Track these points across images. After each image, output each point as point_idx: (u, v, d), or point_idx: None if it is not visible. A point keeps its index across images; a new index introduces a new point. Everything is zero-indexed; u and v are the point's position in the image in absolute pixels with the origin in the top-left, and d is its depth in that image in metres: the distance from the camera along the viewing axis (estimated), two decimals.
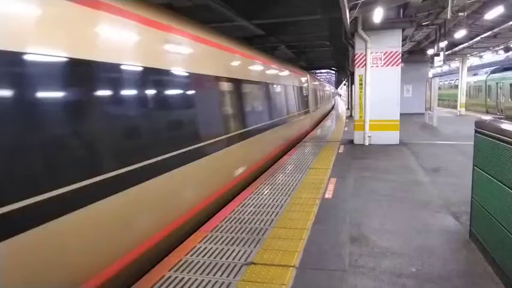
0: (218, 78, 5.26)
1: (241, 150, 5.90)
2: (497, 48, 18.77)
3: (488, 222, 3.13)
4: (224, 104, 5.43)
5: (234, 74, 5.89)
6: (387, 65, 9.72)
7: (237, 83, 5.96)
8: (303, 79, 13.84)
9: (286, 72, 10.43)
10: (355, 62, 10.02)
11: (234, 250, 3.56)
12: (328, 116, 22.22)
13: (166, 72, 3.94)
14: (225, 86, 5.50)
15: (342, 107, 34.88)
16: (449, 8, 8.05)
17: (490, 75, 21.63)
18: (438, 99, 15.63)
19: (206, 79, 4.89)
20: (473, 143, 3.52)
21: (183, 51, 4.43)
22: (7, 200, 2.13)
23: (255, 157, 6.69)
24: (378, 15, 8.34)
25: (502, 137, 2.85)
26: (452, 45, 16.29)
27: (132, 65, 3.38)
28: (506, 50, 18.15)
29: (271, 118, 8.02)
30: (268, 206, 4.86)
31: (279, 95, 9.23)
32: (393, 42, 9.65)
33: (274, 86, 8.74)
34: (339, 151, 9.15)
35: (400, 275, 3.05)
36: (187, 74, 4.37)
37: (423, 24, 11.90)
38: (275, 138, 8.29)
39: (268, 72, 8.26)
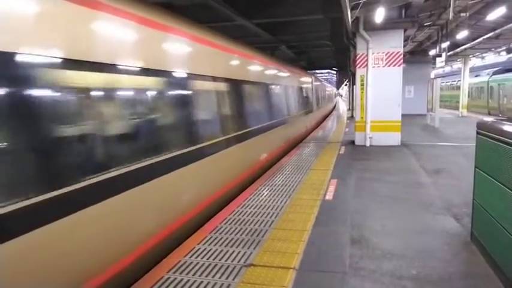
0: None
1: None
2: (499, 50, 18.72)
3: (490, 224, 3.10)
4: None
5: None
6: (389, 66, 9.68)
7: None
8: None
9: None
10: (357, 62, 9.99)
11: (233, 251, 3.54)
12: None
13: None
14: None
15: (343, 107, 34.84)
16: (451, 8, 8.03)
17: (492, 76, 21.56)
18: (440, 101, 15.58)
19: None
20: (475, 144, 3.49)
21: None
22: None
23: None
24: (379, 15, 8.32)
25: (503, 138, 2.82)
26: (454, 46, 16.26)
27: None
28: (508, 51, 18.10)
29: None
30: (268, 207, 4.84)
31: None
32: (395, 43, 9.61)
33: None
34: (340, 152, 9.12)
35: (401, 277, 3.02)
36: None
37: (425, 24, 11.88)
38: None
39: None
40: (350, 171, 6.93)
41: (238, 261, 3.33)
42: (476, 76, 24.22)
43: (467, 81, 20.63)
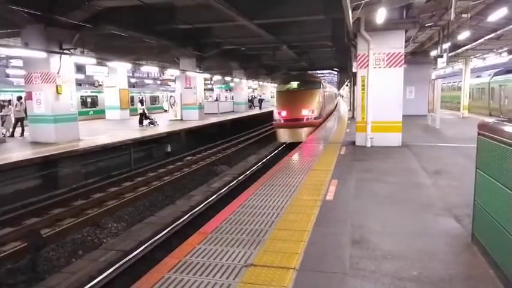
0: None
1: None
2: (500, 51, 18.67)
3: (491, 225, 3.09)
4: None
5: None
6: (390, 66, 9.67)
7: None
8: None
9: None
10: (358, 63, 9.98)
11: (233, 251, 3.53)
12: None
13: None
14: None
15: (343, 108, 34.81)
16: (452, 9, 8.01)
17: (493, 77, 21.52)
18: (441, 101, 15.55)
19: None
20: (475, 145, 3.48)
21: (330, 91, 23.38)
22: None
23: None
24: (380, 16, 8.30)
25: (505, 139, 2.81)
26: (456, 46, 16.22)
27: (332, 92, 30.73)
28: (510, 52, 18.06)
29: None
30: (269, 208, 4.83)
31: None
32: (396, 43, 9.59)
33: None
34: (341, 153, 9.11)
35: (401, 278, 3.01)
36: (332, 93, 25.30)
37: (426, 25, 11.85)
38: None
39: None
40: (351, 172, 6.93)
41: (238, 261, 3.32)
42: (478, 77, 24.19)
43: (468, 82, 20.57)
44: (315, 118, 15.04)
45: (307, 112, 14.82)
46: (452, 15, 8.20)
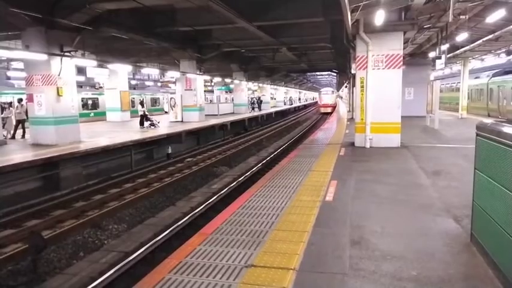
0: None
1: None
2: (498, 52, 18.74)
3: (490, 226, 3.11)
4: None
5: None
6: (389, 68, 9.71)
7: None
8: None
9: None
10: (357, 64, 10.02)
11: (234, 252, 3.55)
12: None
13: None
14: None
15: (342, 109, 34.90)
16: (450, 11, 8.05)
17: (492, 78, 21.57)
18: (439, 102, 15.59)
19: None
20: (474, 146, 3.51)
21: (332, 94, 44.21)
22: None
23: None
24: (379, 17, 8.35)
25: (503, 140, 2.84)
26: (454, 48, 16.28)
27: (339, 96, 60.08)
28: (508, 53, 18.13)
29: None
30: (269, 209, 4.86)
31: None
32: (395, 45, 9.64)
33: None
34: (340, 154, 9.14)
35: (400, 279, 3.04)
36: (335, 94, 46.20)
37: (425, 27, 11.91)
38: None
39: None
40: (350, 173, 6.95)
41: (238, 262, 3.35)
42: (476, 78, 24.24)
43: (466, 83, 20.62)
44: (334, 104, 41.74)
45: (331, 102, 41.46)
46: (450, 16, 8.25)
